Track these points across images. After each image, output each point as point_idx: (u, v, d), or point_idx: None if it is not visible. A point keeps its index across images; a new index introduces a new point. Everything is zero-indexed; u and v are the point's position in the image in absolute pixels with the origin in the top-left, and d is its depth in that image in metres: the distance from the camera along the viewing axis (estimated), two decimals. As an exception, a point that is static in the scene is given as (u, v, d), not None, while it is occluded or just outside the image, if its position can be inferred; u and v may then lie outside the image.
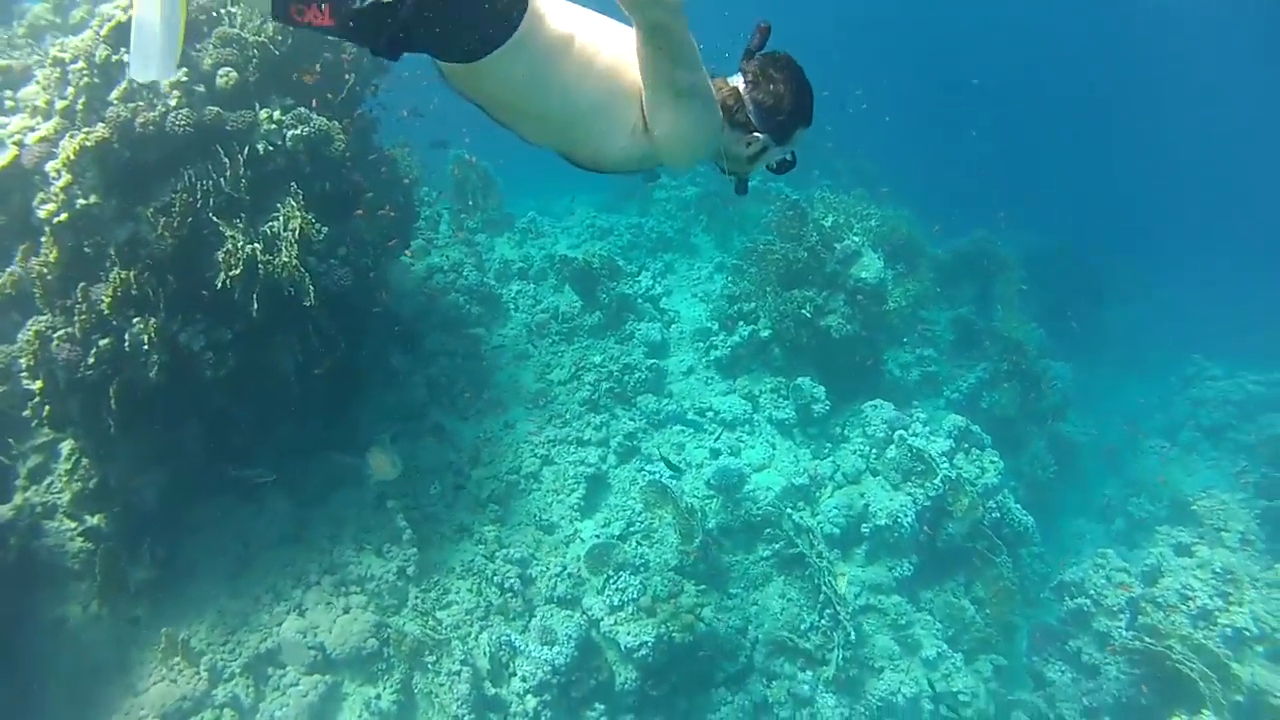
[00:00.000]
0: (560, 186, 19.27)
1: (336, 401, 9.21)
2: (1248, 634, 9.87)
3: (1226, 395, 17.87)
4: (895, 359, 13.04)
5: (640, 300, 12.62)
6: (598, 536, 9.54)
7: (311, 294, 7.10)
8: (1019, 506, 11.34)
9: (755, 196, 16.80)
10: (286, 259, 7.01)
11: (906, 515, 9.98)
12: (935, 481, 10.22)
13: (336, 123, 7.83)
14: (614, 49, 2.81)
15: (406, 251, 10.77)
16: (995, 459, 11.25)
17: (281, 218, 7.21)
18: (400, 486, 9.16)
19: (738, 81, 2.95)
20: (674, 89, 2.69)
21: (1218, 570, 10.53)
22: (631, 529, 9.76)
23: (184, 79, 6.97)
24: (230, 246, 6.94)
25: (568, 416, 10.72)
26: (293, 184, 7.38)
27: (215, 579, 8.24)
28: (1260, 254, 28.95)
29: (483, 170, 15.15)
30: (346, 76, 8.30)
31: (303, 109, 7.59)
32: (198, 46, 7.21)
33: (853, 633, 9.21)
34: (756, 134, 2.96)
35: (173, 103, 6.90)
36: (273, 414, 8.41)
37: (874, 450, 10.90)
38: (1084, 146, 38.44)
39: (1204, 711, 8.81)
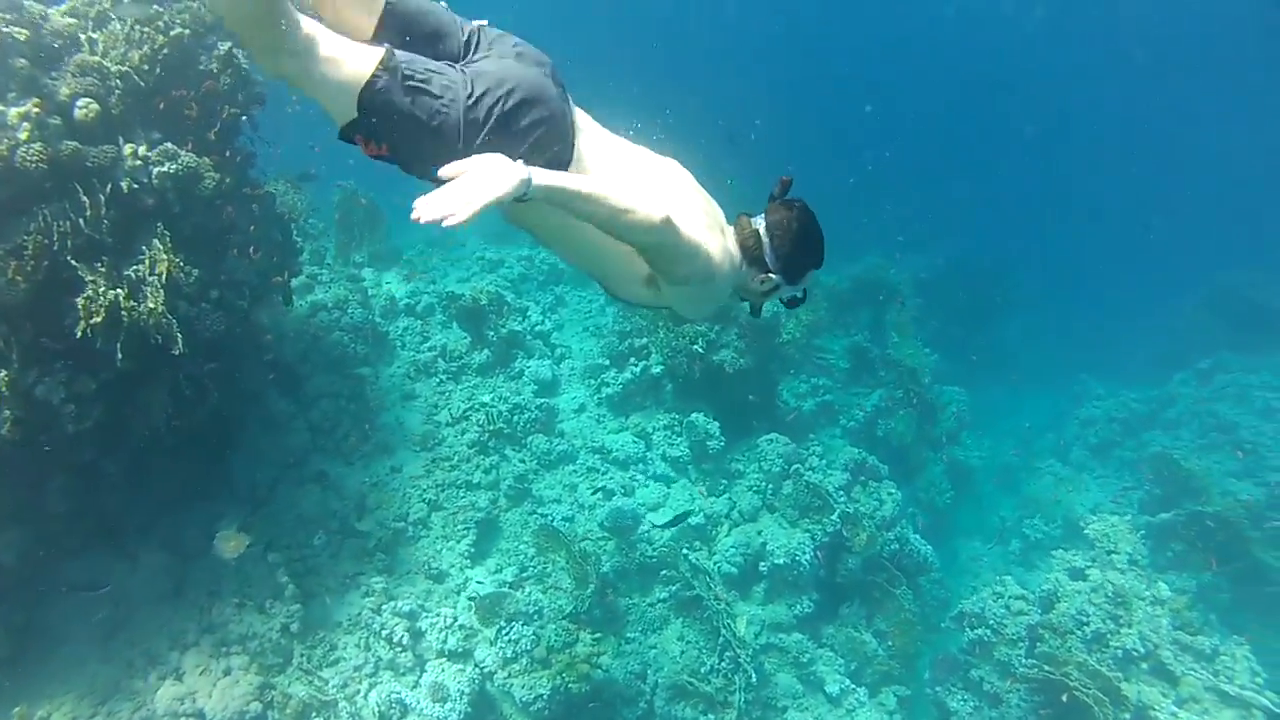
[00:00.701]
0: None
1: (213, 450, 8.75)
2: (1135, 654, 10.02)
3: (1111, 414, 18.45)
4: (790, 390, 12.94)
5: (530, 336, 12.32)
6: (482, 583, 9.26)
7: (181, 342, 6.68)
8: (918, 536, 11.35)
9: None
10: (153, 305, 6.58)
11: (805, 553, 9.84)
12: (833, 517, 10.13)
13: (208, 159, 7.42)
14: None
15: (287, 288, 10.36)
16: (893, 490, 11.23)
17: (147, 260, 6.75)
18: (284, 538, 8.76)
19: (759, 223, 3.31)
20: (672, 280, 3.12)
21: (1109, 594, 10.61)
22: (524, 574, 9.48)
23: (35, 110, 6.50)
24: (91, 292, 6.46)
25: (456, 459, 10.34)
26: (159, 225, 6.95)
27: (85, 644, 7.69)
28: (1142, 273, 29.72)
29: (369, 202, 14.72)
30: (221, 110, 7.89)
31: (170, 144, 7.14)
32: (54, 75, 6.72)
33: (754, 674, 9.02)
34: (770, 274, 3.30)
35: (23, 136, 6.41)
36: (145, 465, 7.92)
37: (770, 486, 10.75)
38: (978, 167, 39.18)
39: (1101, 736, 8.88)
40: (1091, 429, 18.30)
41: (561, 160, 2.98)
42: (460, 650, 8.65)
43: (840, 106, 36.96)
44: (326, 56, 2.68)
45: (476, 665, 8.53)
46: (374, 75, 2.71)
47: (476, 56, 3.05)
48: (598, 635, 8.98)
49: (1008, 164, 40.88)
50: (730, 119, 20.47)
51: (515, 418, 10.82)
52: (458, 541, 9.56)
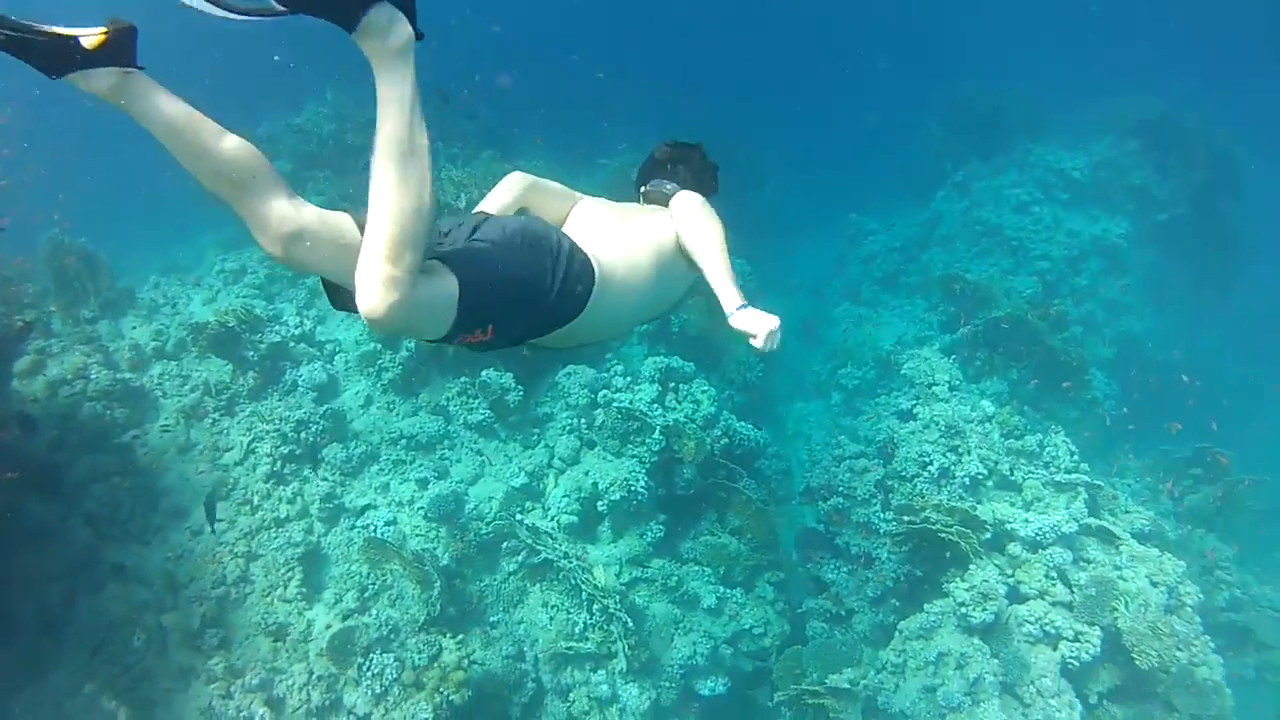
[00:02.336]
0: (178, 233, 17.85)
1: None
2: (980, 476, 10.26)
3: (889, 244, 18.96)
4: (574, 313, 12.43)
5: (293, 343, 11.34)
6: (335, 619, 8.58)
7: None
8: (743, 424, 11.14)
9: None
10: None
11: (638, 480, 9.47)
12: (655, 435, 9.77)
13: None
14: (653, 249, 3.34)
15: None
16: (705, 387, 10.97)
17: None
18: (99, 657, 7.87)
19: (667, 188, 3.68)
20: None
21: (942, 427, 10.81)
22: (367, 595, 8.83)
23: None
24: None
25: (256, 500, 9.50)
26: None
27: None
28: (884, 108, 29.91)
29: (81, 248, 13.32)
30: None
31: None
32: None
33: (629, 619, 8.68)
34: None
35: None
36: None
37: (583, 420, 10.35)
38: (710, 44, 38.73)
39: (971, 566, 8.98)
40: (874, 263, 18.69)
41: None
42: (328, 704, 8.02)
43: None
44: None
45: (350, 713, 7.92)
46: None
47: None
48: (460, 635, 8.47)
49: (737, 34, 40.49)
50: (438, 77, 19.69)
51: (302, 434, 10.01)
52: (286, 586, 8.82)
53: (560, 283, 2.90)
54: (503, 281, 2.80)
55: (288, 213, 2.64)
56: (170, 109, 2.40)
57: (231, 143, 2.53)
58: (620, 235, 3.33)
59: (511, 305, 2.86)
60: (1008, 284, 15.37)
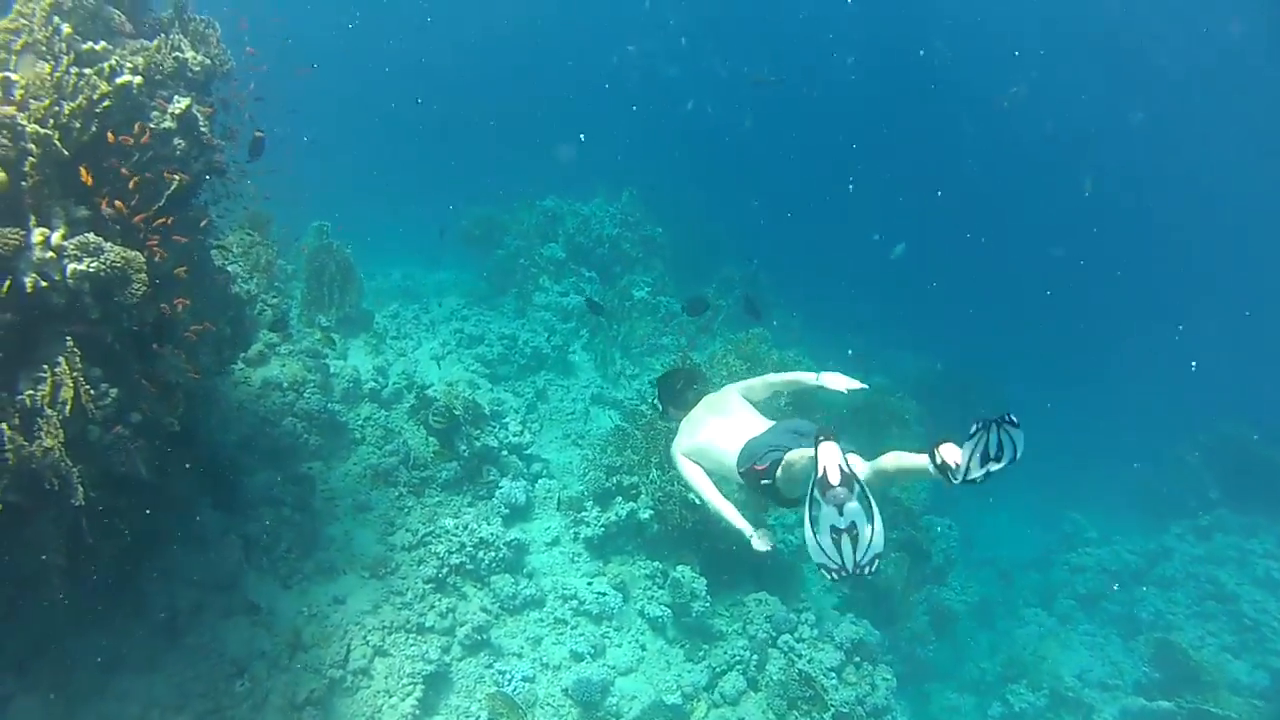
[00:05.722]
0: (429, 258, 18.23)
1: (121, 567, 7.38)
2: None
3: (1103, 563, 17.58)
4: (778, 521, 11.79)
5: (505, 452, 11.06)
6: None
7: (82, 493, 5.33)
8: (905, 720, 10.27)
9: (644, 311, 15.72)
10: (50, 445, 5.20)
11: (787, 756, 8.68)
12: (825, 717, 8.95)
13: (139, 253, 5.85)
14: None
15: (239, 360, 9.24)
16: (887, 676, 10.11)
17: (49, 384, 5.31)
18: (199, 682, 7.46)
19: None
20: None
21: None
22: (470, 743, 8.25)
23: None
24: (-38, 420, 5.09)
25: (409, 596, 9.06)
26: (69, 338, 5.48)
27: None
28: (1143, 406, 27.79)
29: (343, 258, 13.44)
30: (170, 180, 6.46)
31: (92, 236, 5.55)
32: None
33: None
34: None
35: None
36: (24, 602, 6.48)
37: (755, 657, 9.59)
38: (964, 263, 37.54)
39: None
40: (1081, 577, 17.34)
41: None
42: None
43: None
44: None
45: None
46: None
47: None
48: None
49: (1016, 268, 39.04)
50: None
51: (480, 553, 9.55)
52: (402, 699, 8.29)
53: None
54: None
55: None
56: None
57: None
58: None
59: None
60: (1227, 668, 13.90)
